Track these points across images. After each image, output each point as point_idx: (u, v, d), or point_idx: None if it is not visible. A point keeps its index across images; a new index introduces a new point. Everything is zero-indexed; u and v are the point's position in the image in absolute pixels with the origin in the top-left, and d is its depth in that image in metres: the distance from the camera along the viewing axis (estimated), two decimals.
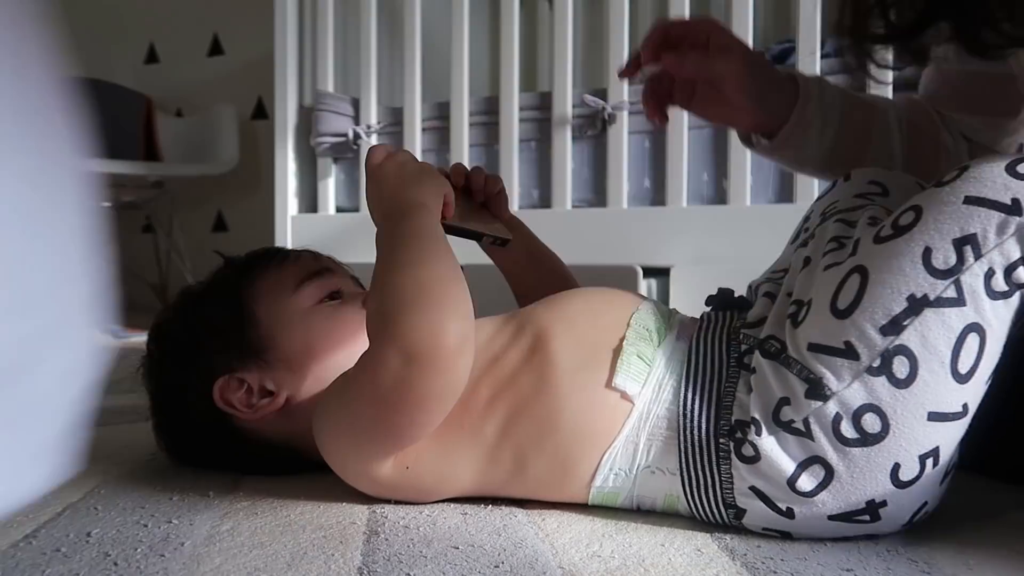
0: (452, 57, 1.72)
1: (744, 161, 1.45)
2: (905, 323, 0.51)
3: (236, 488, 0.67)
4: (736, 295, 0.69)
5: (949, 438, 0.52)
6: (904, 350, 0.51)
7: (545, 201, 1.66)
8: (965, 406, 0.52)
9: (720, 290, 0.69)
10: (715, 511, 0.57)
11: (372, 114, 1.82)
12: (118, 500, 0.64)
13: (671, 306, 0.71)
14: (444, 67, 1.76)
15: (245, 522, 0.59)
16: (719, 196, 1.51)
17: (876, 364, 0.51)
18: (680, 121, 1.50)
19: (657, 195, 1.56)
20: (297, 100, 1.89)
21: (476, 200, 0.77)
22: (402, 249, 0.58)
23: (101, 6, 2.98)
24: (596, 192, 1.62)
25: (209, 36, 2.91)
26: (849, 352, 0.52)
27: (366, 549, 0.54)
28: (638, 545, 0.54)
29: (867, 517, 0.53)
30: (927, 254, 0.51)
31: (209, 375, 0.66)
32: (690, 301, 0.70)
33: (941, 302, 0.50)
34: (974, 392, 0.52)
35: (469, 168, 0.76)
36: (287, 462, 0.68)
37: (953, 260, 0.50)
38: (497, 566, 0.51)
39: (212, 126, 2.66)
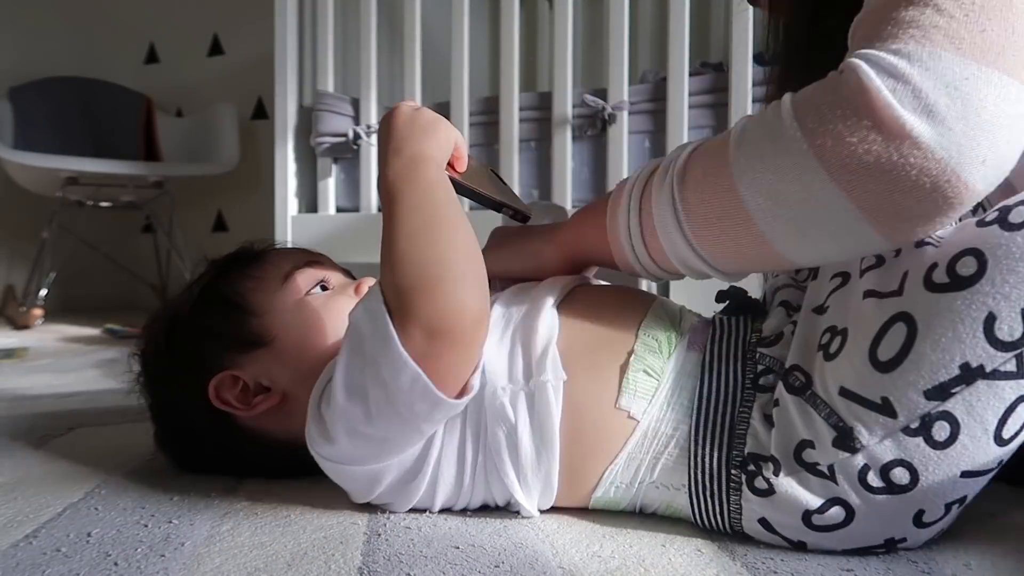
0: (452, 57, 1.72)
1: None
2: (954, 391, 0.47)
3: (237, 488, 0.67)
4: (749, 295, 0.66)
5: (978, 487, 0.51)
6: (947, 416, 0.47)
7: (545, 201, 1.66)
8: (1000, 462, 0.49)
9: (732, 288, 0.66)
10: (720, 531, 0.56)
11: (372, 114, 1.82)
12: (118, 500, 0.64)
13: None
14: (444, 67, 1.76)
15: (245, 522, 0.59)
16: None
17: (914, 426, 0.48)
18: (680, 121, 1.50)
19: None
20: (297, 100, 1.89)
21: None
22: (413, 213, 0.56)
23: (101, 6, 2.98)
24: (596, 192, 1.62)
25: (209, 36, 2.91)
26: (886, 408, 0.48)
27: (366, 549, 0.54)
28: (638, 546, 0.54)
29: (883, 549, 0.53)
30: (990, 321, 0.45)
31: (205, 375, 0.65)
32: (690, 300, 0.70)
33: (998, 375, 0.46)
34: (1010, 451, 0.49)
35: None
36: (288, 462, 0.67)
37: (1019, 332, 0.45)
38: (497, 566, 0.51)
39: (212, 126, 2.67)
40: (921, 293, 0.48)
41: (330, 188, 1.86)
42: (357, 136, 1.79)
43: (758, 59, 1.57)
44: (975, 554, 0.53)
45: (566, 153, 1.61)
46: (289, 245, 0.79)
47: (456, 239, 0.55)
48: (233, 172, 2.56)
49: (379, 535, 0.56)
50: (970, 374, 0.46)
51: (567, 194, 1.61)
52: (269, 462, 0.68)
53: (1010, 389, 0.46)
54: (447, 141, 0.63)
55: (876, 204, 0.45)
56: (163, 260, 2.69)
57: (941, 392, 0.47)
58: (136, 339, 0.73)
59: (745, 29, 1.45)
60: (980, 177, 0.44)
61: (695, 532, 0.57)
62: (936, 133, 0.43)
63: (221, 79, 2.87)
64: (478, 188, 0.69)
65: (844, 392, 0.50)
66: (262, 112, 2.80)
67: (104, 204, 2.55)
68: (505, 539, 0.55)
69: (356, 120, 1.83)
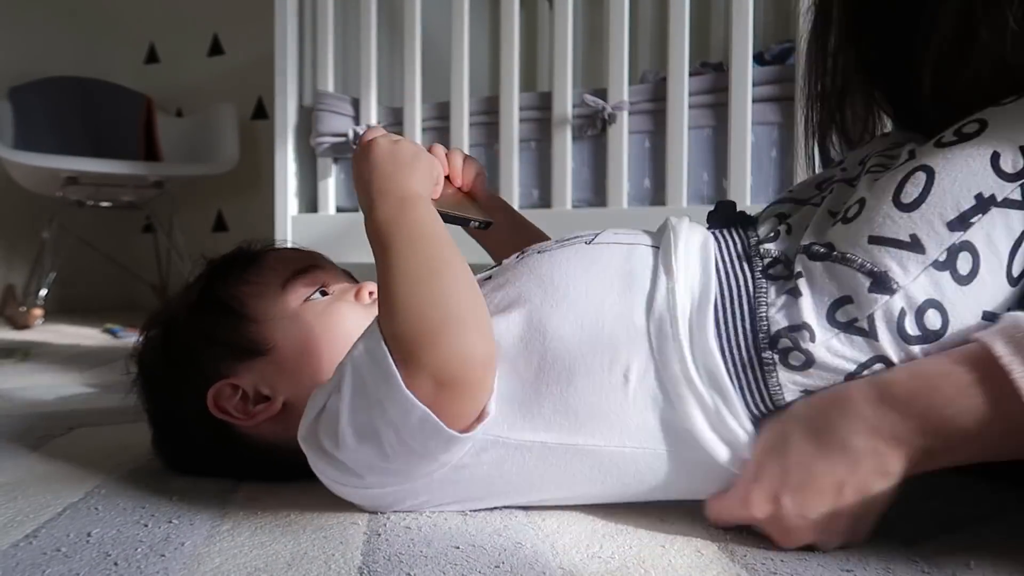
0: (452, 57, 1.72)
1: (744, 161, 1.45)
2: (972, 220, 0.51)
3: (237, 489, 0.67)
4: (737, 208, 0.66)
5: None
6: (969, 246, 0.51)
7: (545, 201, 1.66)
8: (1009, 310, 0.52)
9: (720, 204, 0.66)
10: (765, 411, 0.55)
11: (372, 114, 1.82)
12: (118, 500, 0.64)
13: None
14: (444, 67, 1.76)
15: (245, 522, 0.59)
16: (719, 196, 1.51)
17: (942, 259, 0.51)
18: (680, 121, 1.50)
19: (657, 195, 1.56)
20: (297, 100, 1.89)
21: (454, 184, 0.76)
22: (409, 256, 0.55)
23: (101, 6, 2.98)
24: (596, 192, 1.62)
25: (209, 36, 2.91)
26: (915, 245, 0.52)
27: (366, 549, 0.54)
28: (638, 546, 0.54)
29: None
30: (995, 157, 0.52)
31: (202, 384, 0.64)
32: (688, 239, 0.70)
33: (1008, 203, 0.51)
34: (1018, 296, 0.52)
35: (441, 150, 0.74)
36: (287, 468, 0.67)
37: (1021, 164, 0.51)
38: (497, 566, 0.51)
39: (212, 126, 2.67)
40: (933, 150, 0.54)
41: (330, 188, 1.86)
42: (357, 136, 1.79)
43: (758, 59, 1.57)
44: (975, 554, 0.53)
45: (566, 153, 1.61)
46: (288, 245, 0.78)
47: (455, 280, 0.55)
48: (233, 172, 2.56)
49: (379, 535, 0.56)
50: (984, 203, 0.51)
51: (567, 194, 1.61)
52: (268, 468, 0.67)
53: (1017, 219, 0.51)
54: (430, 173, 0.63)
55: None
56: (163, 260, 2.69)
57: (962, 222, 0.51)
58: (134, 341, 0.73)
59: (745, 29, 1.45)
60: None
61: (695, 532, 0.57)
62: None
63: (221, 79, 2.87)
64: (454, 212, 0.69)
65: (873, 239, 0.53)
66: (262, 112, 2.80)
67: (104, 204, 2.55)
68: (505, 539, 0.55)
69: (356, 120, 1.83)
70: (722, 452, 0.54)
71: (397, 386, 0.51)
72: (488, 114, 1.72)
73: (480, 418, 0.54)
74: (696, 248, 0.59)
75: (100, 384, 1.25)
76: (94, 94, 2.69)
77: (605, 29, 1.60)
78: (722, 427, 0.54)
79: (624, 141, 1.56)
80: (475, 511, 0.60)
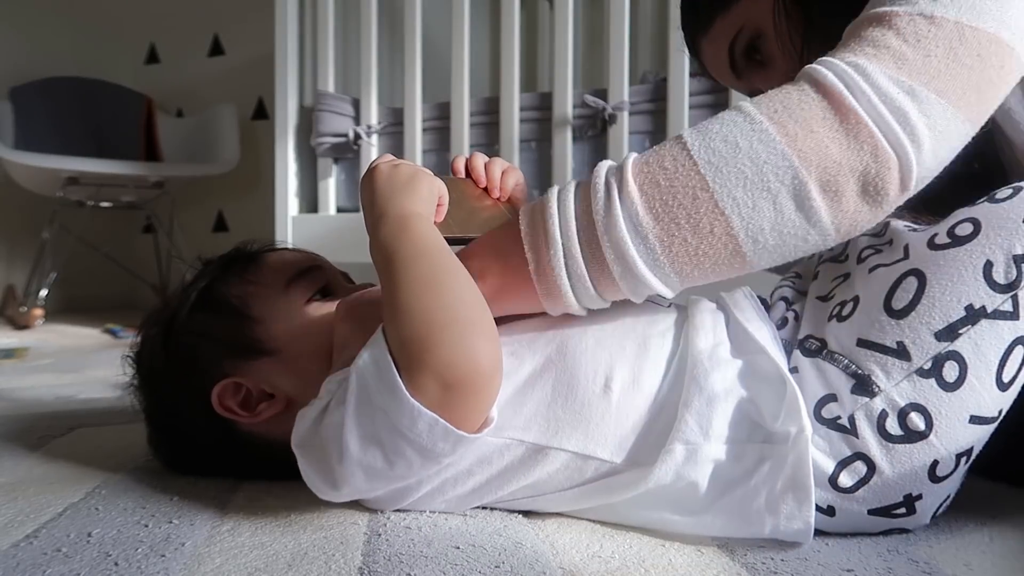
0: (452, 57, 1.73)
1: None
2: (961, 331, 0.52)
3: (237, 488, 0.67)
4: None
5: (982, 439, 0.54)
6: (956, 356, 0.52)
7: None
8: (1000, 411, 0.53)
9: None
10: None
11: (372, 114, 1.82)
12: (119, 500, 0.64)
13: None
14: (444, 67, 1.76)
15: (246, 522, 0.59)
16: None
17: (927, 367, 0.52)
18: (680, 122, 1.50)
19: None
20: (297, 100, 1.89)
21: (492, 195, 0.73)
22: (412, 267, 0.55)
23: (101, 6, 2.98)
24: None
25: (209, 36, 2.91)
26: (901, 352, 0.53)
27: (367, 549, 0.54)
28: (638, 545, 0.55)
29: (904, 510, 0.54)
30: (988, 267, 0.52)
31: (206, 382, 0.64)
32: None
33: (997, 315, 0.52)
34: (1009, 399, 0.54)
35: (480, 160, 0.72)
36: (289, 466, 0.67)
37: (1013, 275, 0.52)
38: (498, 566, 0.51)
39: (212, 126, 2.67)
40: (926, 252, 0.54)
41: (330, 188, 1.86)
42: (357, 136, 1.79)
43: None
44: (975, 554, 0.53)
45: (566, 153, 1.61)
46: (288, 245, 0.78)
47: (459, 288, 0.55)
48: (233, 172, 2.56)
49: (379, 535, 0.56)
50: (974, 314, 0.52)
51: None
52: (269, 466, 0.67)
53: (1007, 329, 0.52)
54: (431, 194, 0.63)
55: None
56: (163, 260, 2.69)
57: (950, 332, 0.52)
58: (131, 341, 0.73)
59: None
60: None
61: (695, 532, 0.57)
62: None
63: (221, 79, 2.88)
64: (459, 234, 0.68)
65: (861, 342, 0.54)
66: (262, 112, 2.80)
67: (104, 204, 2.55)
68: (505, 539, 0.55)
69: (356, 120, 1.83)
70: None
71: (399, 392, 0.50)
72: (488, 114, 1.73)
73: (485, 423, 0.54)
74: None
75: (100, 384, 1.25)
76: (94, 94, 2.69)
77: (605, 29, 1.60)
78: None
79: (624, 141, 1.56)
80: (475, 512, 0.61)
